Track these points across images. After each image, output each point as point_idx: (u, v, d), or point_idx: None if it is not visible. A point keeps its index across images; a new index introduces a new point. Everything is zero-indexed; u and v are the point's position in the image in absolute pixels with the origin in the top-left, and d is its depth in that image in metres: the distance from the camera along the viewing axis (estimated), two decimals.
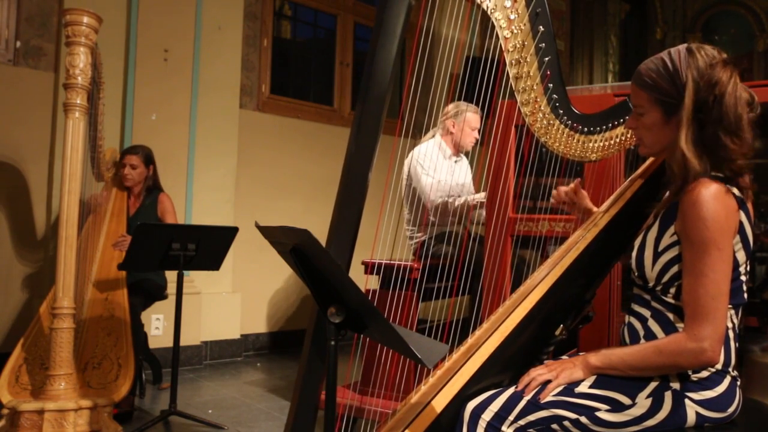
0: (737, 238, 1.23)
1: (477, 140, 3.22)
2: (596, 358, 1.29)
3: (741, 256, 1.25)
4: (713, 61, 1.25)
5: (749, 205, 1.27)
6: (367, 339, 2.64)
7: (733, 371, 1.27)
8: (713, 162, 1.24)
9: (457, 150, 3.22)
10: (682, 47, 1.29)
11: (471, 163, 3.41)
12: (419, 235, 3.13)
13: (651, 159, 1.56)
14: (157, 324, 3.80)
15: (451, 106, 3.20)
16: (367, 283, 2.76)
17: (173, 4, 3.95)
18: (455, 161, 3.25)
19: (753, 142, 1.26)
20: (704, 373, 1.24)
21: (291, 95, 4.91)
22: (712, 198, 1.19)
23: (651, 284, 1.30)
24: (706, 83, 1.23)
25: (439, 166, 3.06)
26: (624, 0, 7.26)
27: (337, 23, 5.19)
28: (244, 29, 4.42)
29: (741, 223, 1.23)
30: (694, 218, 1.19)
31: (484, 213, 2.85)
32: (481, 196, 3.04)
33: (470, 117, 3.15)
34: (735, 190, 1.23)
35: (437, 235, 3.08)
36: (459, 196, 3.10)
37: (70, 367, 2.46)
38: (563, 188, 1.72)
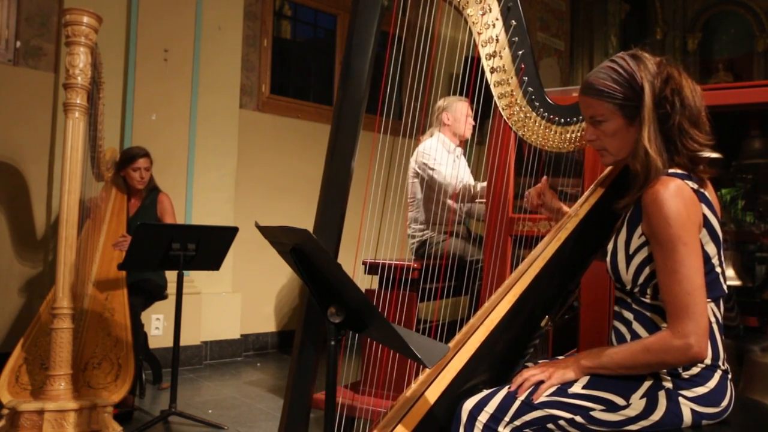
0: (703, 231, 1.24)
1: (474, 126, 3.24)
2: (587, 359, 1.29)
3: (711, 248, 1.26)
4: (656, 61, 1.30)
5: (710, 194, 1.29)
6: (361, 339, 2.64)
7: (723, 365, 1.28)
8: (672, 156, 1.27)
9: (459, 140, 3.26)
10: (623, 54, 1.33)
11: (469, 162, 3.42)
12: (420, 234, 3.14)
13: (609, 170, 1.57)
14: (157, 324, 3.80)
15: (440, 102, 3.23)
16: (355, 277, 2.75)
17: (173, 4, 3.95)
18: (457, 156, 3.26)
19: (711, 134, 1.30)
20: (695, 370, 1.25)
21: (291, 95, 4.92)
22: (672, 195, 1.21)
23: (629, 287, 1.32)
24: (660, 81, 1.28)
25: (444, 160, 3.08)
26: (624, 0, 7.25)
27: (337, 23, 5.19)
28: (244, 29, 4.43)
29: (704, 216, 1.24)
30: (657, 217, 1.21)
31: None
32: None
33: (462, 105, 3.20)
34: (692, 184, 1.24)
35: (433, 237, 3.09)
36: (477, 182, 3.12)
37: (70, 367, 2.47)
38: (532, 190, 1.71)
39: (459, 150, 3.28)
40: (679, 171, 1.26)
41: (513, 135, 2.36)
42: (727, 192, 2.63)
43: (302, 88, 5.12)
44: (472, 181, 3.26)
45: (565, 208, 1.69)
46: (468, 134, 3.24)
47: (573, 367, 1.29)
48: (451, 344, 1.47)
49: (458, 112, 3.19)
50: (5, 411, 2.42)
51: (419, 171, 3.12)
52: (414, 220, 3.18)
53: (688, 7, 7.32)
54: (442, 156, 3.08)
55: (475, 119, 3.22)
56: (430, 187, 3.07)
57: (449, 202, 3.06)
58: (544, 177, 1.70)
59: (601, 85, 1.32)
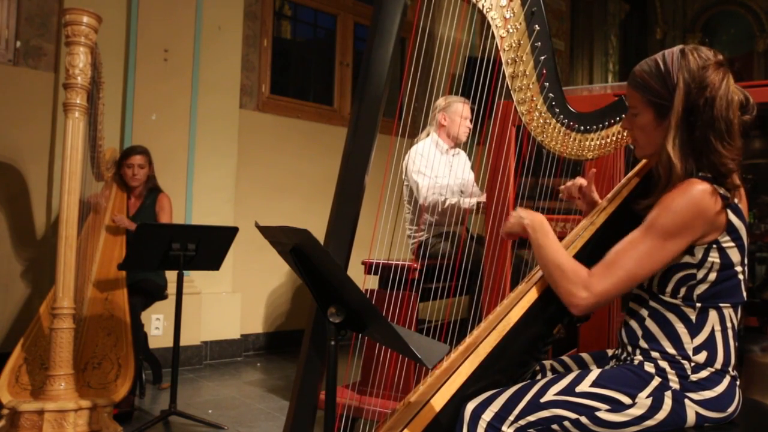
0: (727, 237, 1.23)
1: (470, 129, 3.22)
2: (542, 235, 1.38)
3: (734, 254, 1.25)
4: (706, 63, 1.24)
5: (741, 203, 1.27)
6: (365, 339, 2.64)
7: (732, 371, 1.28)
8: (700, 164, 1.24)
9: (454, 142, 3.23)
10: (677, 48, 1.28)
11: (471, 160, 3.41)
12: (419, 234, 3.13)
13: (645, 161, 1.56)
14: (157, 324, 3.80)
15: (440, 101, 3.21)
16: (365, 282, 2.76)
17: (173, 4, 3.95)
18: (453, 155, 3.25)
19: (743, 146, 1.26)
20: (704, 373, 1.24)
21: (291, 95, 4.91)
22: (690, 195, 1.19)
23: (645, 284, 1.31)
24: (696, 86, 1.23)
25: (436, 163, 3.06)
26: (624, 0, 7.26)
27: (337, 23, 5.19)
28: (244, 29, 4.42)
29: (729, 221, 1.23)
30: (661, 204, 1.22)
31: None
32: (474, 201, 3.03)
33: (459, 107, 3.17)
34: (721, 190, 1.23)
35: (436, 235, 3.08)
36: (453, 196, 3.09)
37: (70, 367, 2.46)
38: (577, 181, 1.69)
39: (456, 150, 3.27)
40: (709, 175, 1.23)
41: (514, 135, 2.36)
42: None
43: (302, 88, 5.12)
44: (473, 184, 3.25)
45: (599, 200, 1.66)
46: (462, 137, 3.21)
47: (526, 222, 1.41)
48: (460, 348, 1.46)
49: (454, 113, 3.15)
50: (5, 411, 2.42)
51: (406, 174, 3.11)
52: (409, 221, 3.18)
53: (688, 7, 7.32)
54: (432, 160, 3.05)
55: (475, 120, 3.21)
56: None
57: (425, 207, 3.03)
58: (593, 170, 1.68)
59: (639, 76, 1.30)
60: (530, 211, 1.45)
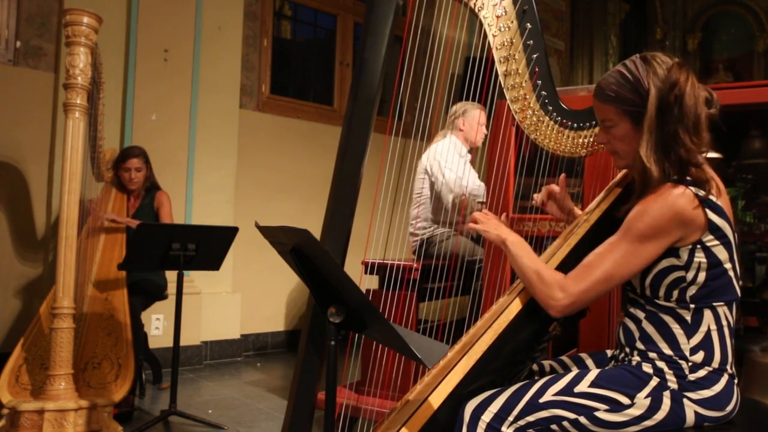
0: (710, 236, 1.24)
1: (486, 134, 3.27)
2: (518, 246, 1.40)
3: (720, 252, 1.25)
4: (668, 65, 1.29)
5: (722, 200, 1.27)
6: (363, 338, 2.64)
7: (730, 369, 1.28)
8: (671, 162, 1.26)
9: (470, 146, 3.30)
10: (636, 57, 1.33)
11: (472, 163, 3.43)
12: (425, 232, 3.15)
13: (625, 171, 1.57)
14: (157, 324, 3.80)
15: (458, 106, 3.27)
16: (361, 281, 2.76)
17: (173, 4, 3.95)
18: (466, 160, 3.31)
19: (710, 140, 1.29)
20: (701, 373, 1.25)
21: (291, 95, 4.92)
22: (665, 201, 1.22)
23: (638, 290, 1.33)
24: (666, 86, 1.26)
25: (455, 165, 3.12)
26: (624, 0, 7.26)
27: (337, 23, 5.19)
28: (244, 29, 4.43)
29: (710, 221, 1.23)
30: (638, 208, 1.25)
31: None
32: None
33: (477, 113, 3.25)
34: (697, 191, 1.23)
35: (437, 235, 3.09)
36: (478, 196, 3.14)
37: (70, 367, 2.47)
38: (548, 187, 1.71)
39: (468, 155, 3.33)
40: (687, 178, 1.25)
41: (513, 135, 2.36)
42: (727, 192, 2.63)
43: (302, 88, 5.12)
44: (480, 191, 3.27)
45: (577, 210, 1.68)
46: (479, 142, 3.31)
47: (504, 237, 1.43)
48: (457, 346, 1.46)
49: (473, 119, 3.25)
50: (5, 411, 2.42)
51: (430, 170, 3.14)
52: (417, 217, 3.19)
53: (688, 7, 7.33)
54: (453, 160, 3.11)
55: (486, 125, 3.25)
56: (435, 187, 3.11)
57: (449, 202, 3.07)
58: (563, 175, 1.69)
59: (608, 89, 1.32)
60: (509, 230, 1.47)
